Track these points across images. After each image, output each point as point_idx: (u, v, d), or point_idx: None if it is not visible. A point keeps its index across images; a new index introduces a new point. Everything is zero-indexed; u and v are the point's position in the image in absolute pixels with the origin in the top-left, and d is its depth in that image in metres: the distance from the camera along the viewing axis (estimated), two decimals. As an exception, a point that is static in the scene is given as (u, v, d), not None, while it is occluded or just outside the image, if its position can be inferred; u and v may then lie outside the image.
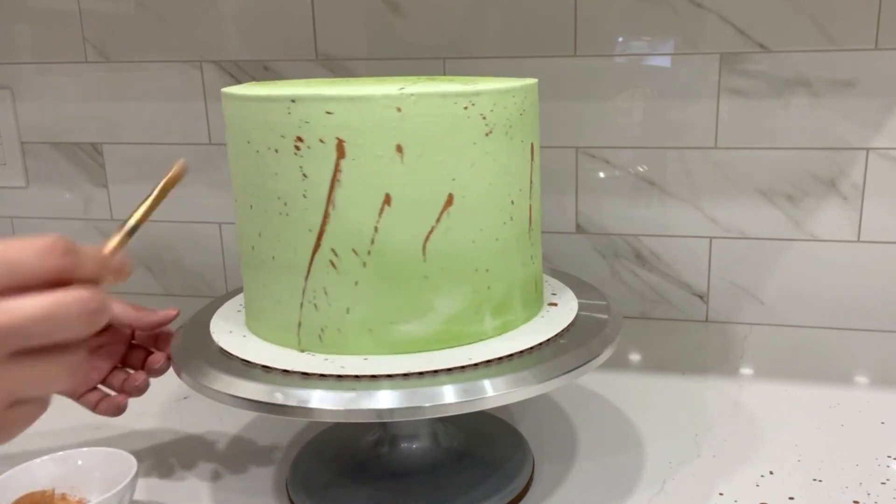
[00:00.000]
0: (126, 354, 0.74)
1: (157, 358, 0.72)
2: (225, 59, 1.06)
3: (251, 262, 0.66)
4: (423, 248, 0.61)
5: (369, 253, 0.60)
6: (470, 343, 0.64)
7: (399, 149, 0.59)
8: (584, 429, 0.83)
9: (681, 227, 1.00)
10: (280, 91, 0.59)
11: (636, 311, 1.04)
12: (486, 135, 0.62)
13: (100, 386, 0.73)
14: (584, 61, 0.97)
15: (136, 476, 0.67)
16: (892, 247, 0.95)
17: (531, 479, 0.74)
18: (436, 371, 0.59)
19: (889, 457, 0.77)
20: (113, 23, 1.08)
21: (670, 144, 0.98)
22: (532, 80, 0.67)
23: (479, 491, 0.69)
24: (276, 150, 0.60)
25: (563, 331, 0.67)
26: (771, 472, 0.74)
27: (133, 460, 0.68)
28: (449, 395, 0.57)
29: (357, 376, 0.58)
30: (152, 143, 1.11)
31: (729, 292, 1.01)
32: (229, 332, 0.69)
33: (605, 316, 0.70)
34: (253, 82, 0.74)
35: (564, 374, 0.61)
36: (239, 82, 1.06)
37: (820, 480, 0.73)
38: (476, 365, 0.60)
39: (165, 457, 0.81)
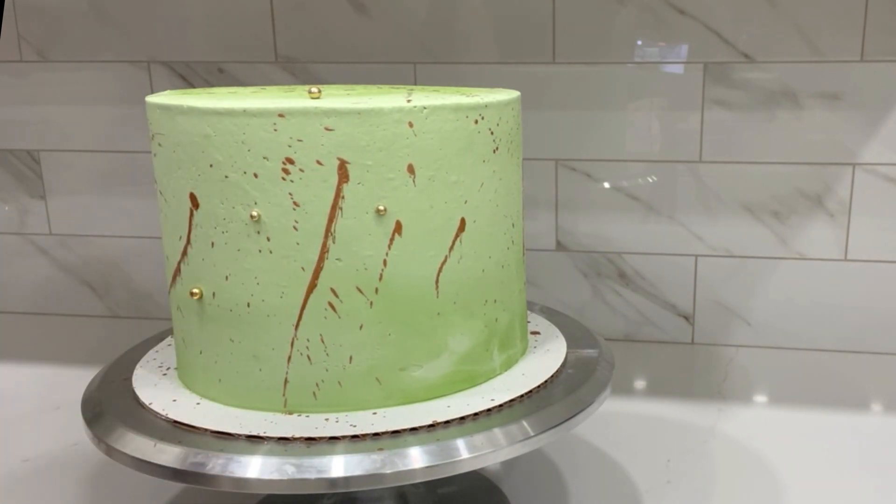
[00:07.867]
0: None
1: None
2: (175, 59, 1.01)
3: (208, 312, 0.56)
4: (437, 280, 0.55)
5: (377, 291, 0.53)
6: (481, 383, 0.58)
7: (411, 169, 0.53)
8: (555, 454, 0.79)
9: (665, 245, 0.97)
10: (261, 103, 0.52)
11: (620, 333, 1.01)
12: (494, 151, 0.58)
13: None
14: (563, 69, 0.95)
15: None
16: (879, 265, 0.94)
17: None
18: (462, 418, 0.53)
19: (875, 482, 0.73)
20: (51, 18, 1.02)
21: (654, 157, 0.95)
22: (517, 93, 0.63)
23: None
24: (256, 175, 0.52)
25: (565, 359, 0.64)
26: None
27: None
28: (478, 446, 0.51)
29: (376, 434, 0.51)
30: (94, 151, 1.06)
31: (715, 313, 0.99)
32: (172, 400, 0.58)
33: (588, 336, 0.68)
34: (205, 88, 0.66)
35: (590, 405, 0.57)
36: (191, 85, 1.00)
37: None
38: (500, 406, 0.55)
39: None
